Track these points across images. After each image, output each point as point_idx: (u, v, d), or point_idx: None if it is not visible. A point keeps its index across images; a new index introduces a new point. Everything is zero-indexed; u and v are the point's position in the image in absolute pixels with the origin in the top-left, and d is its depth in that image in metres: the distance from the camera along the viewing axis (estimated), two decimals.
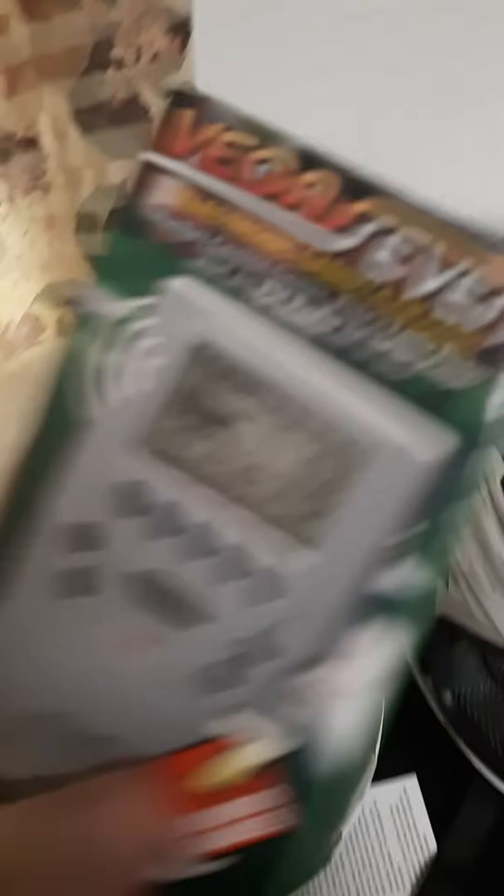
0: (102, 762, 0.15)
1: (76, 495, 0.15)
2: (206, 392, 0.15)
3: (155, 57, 0.36)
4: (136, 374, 0.15)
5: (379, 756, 0.46)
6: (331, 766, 0.15)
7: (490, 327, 0.14)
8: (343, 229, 0.15)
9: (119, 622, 0.15)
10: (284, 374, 0.15)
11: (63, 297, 0.44)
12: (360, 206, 0.15)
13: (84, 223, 0.41)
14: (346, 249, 0.15)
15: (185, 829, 0.15)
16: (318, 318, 0.14)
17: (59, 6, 0.34)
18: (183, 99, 0.15)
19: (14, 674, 0.15)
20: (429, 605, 0.14)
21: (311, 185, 0.15)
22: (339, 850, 0.50)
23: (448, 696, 0.46)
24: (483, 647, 0.43)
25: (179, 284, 0.15)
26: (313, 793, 0.15)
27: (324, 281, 0.14)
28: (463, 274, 0.14)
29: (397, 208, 0.14)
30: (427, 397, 0.14)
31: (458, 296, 0.14)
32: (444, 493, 0.14)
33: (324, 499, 0.14)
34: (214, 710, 0.15)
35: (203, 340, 0.15)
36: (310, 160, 0.15)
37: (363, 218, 0.15)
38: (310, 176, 0.15)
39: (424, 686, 0.46)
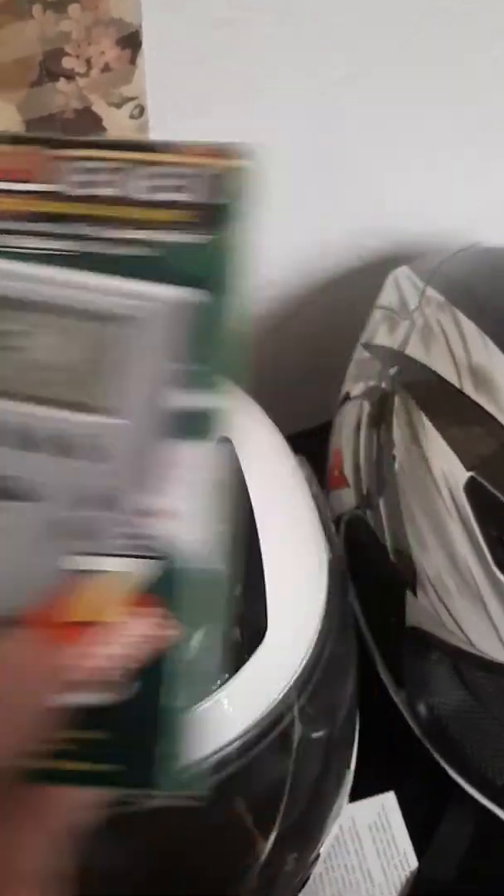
0: None
1: None
2: None
3: (105, 68, 0.36)
4: None
5: (355, 773, 0.45)
6: (194, 573, 0.18)
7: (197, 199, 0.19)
8: (53, 178, 0.19)
9: None
10: (42, 292, 0.19)
11: None
12: (62, 158, 0.20)
13: None
14: (61, 190, 0.19)
15: (78, 658, 0.18)
16: (59, 246, 0.19)
17: (9, 16, 0.34)
18: None
19: None
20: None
21: (24, 156, 0.20)
22: (319, 870, 0.48)
23: (422, 709, 0.45)
24: (455, 657, 0.42)
25: None
26: (185, 603, 0.18)
27: (54, 216, 0.19)
28: (141, 173, 0.19)
29: (86, 150, 0.20)
30: (156, 269, 0.19)
31: (141, 190, 0.19)
32: (205, 333, 0.19)
33: (107, 372, 0.19)
34: (68, 555, 0.19)
35: None
36: (17, 140, 0.20)
37: (71, 164, 0.19)
38: (21, 150, 0.20)
39: (399, 699, 0.45)
